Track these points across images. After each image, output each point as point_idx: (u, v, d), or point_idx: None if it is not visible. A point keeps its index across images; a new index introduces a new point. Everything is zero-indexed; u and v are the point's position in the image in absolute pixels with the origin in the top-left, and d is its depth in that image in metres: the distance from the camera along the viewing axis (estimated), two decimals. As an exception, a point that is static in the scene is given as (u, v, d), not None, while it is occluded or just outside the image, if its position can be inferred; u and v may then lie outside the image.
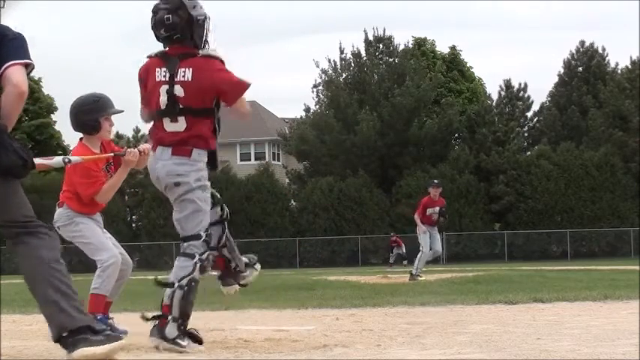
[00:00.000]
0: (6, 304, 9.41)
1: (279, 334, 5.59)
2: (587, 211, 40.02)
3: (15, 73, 4.07)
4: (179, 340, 4.82)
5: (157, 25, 4.98)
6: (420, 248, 15.74)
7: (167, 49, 5.03)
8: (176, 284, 4.85)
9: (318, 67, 44.09)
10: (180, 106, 4.91)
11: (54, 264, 4.12)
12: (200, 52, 4.97)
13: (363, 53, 43.35)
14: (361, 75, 42.92)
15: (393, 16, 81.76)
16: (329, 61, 43.24)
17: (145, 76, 5.08)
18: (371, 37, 43.53)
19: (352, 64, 43.29)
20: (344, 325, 6.29)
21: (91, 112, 6.08)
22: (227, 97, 4.96)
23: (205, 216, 5.00)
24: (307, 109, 44.19)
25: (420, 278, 15.13)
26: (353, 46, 43.56)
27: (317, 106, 43.96)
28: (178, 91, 4.91)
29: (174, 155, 4.94)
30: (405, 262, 34.65)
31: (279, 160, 54.03)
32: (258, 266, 5.51)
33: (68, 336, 4.00)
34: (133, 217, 43.26)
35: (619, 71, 43.21)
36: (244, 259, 5.44)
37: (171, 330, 4.82)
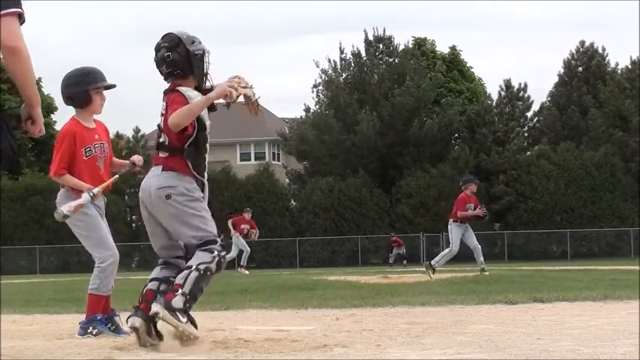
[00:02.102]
0: (6, 304, 9.41)
1: (279, 334, 5.59)
2: (587, 211, 40.00)
3: (3, 27, 3.54)
4: (180, 315, 4.87)
5: (159, 62, 5.22)
6: (451, 245, 16.03)
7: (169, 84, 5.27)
8: (194, 267, 4.96)
9: (318, 67, 44.05)
10: (161, 140, 5.22)
11: None
12: (178, 88, 5.17)
13: (363, 53, 43.32)
14: (361, 75, 42.89)
15: (393, 16, 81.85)
16: (329, 61, 43.25)
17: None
18: (371, 37, 43.51)
19: (352, 64, 43.25)
20: (344, 325, 6.29)
21: (81, 84, 6.06)
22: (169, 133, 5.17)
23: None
24: (307, 109, 44.15)
25: (431, 275, 15.30)
26: (353, 46, 43.57)
27: (317, 106, 43.93)
28: (162, 123, 5.21)
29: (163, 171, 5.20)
30: (404, 262, 34.65)
31: (279, 160, 54.02)
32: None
33: None
34: (133, 217, 43.24)
35: (619, 71, 43.17)
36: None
37: (178, 301, 4.88)
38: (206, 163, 5.29)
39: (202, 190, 5.23)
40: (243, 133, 51.14)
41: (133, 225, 42.94)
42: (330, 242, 40.47)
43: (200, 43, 5.27)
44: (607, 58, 44.39)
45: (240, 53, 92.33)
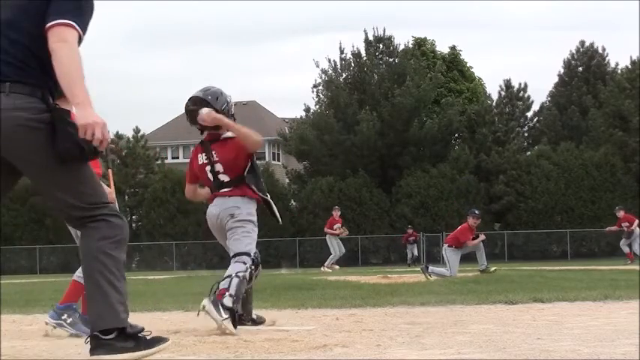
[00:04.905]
0: (6, 304, 9.41)
1: (279, 334, 5.60)
2: (587, 211, 39.98)
3: (50, 34, 3.70)
4: (222, 311, 5.64)
5: (192, 122, 6.20)
6: (450, 270, 16.31)
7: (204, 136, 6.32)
8: (233, 274, 5.90)
9: (318, 67, 44.06)
10: (221, 179, 6.22)
11: (100, 255, 3.84)
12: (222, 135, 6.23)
13: (363, 53, 43.31)
14: (361, 75, 42.87)
15: (393, 16, 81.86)
16: (329, 61, 43.23)
17: (192, 158, 6.42)
18: (371, 37, 43.50)
19: (352, 64, 43.24)
20: (344, 325, 6.29)
21: None
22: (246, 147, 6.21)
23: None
24: (307, 109, 44.13)
25: (429, 277, 15.56)
26: (353, 46, 43.55)
27: (317, 106, 43.92)
28: (218, 167, 6.22)
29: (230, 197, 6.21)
30: (408, 263, 34.49)
31: (279, 160, 54.03)
32: (261, 326, 6.40)
33: (94, 335, 3.82)
34: (133, 217, 43.24)
35: (619, 71, 43.16)
36: (254, 315, 6.46)
37: (227, 300, 5.73)
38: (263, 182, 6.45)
39: (270, 207, 6.38)
40: (243, 133, 51.05)
41: (133, 225, 42.95)
42: (330, 242, 40.39)
43: (222, 94, 6.20)
44: (607, 58, 44.42)
45: (240, 53, 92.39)
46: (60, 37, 3.70)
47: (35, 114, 3.76)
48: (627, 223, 25.26)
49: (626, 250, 25.44)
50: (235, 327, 5.69)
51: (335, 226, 24.85)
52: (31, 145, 3.75)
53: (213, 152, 6.21)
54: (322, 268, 24.39)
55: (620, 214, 25.64)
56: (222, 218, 6.17)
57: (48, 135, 3.76)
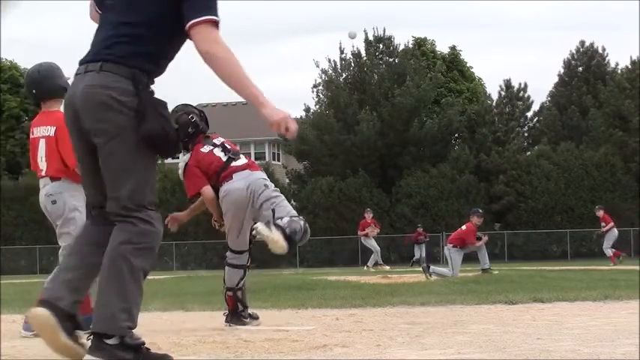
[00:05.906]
0: (6, 304, 9.41)
1: (279, 334, 5.60)
2: (587, 211, 39.87)
3: (197, 35, 3.75)
4: (273, 227, 5.52)
5: (183, 144, 6.42)
6: (452, 271, 16.38)
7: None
8: (288, 216, 5.77)
9: (318, 67, 44.04)
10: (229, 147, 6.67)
11: (118, 258, 3.74)
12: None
13: (363, 53, 43.30)
14: (361, 75, 42.86)
15: (393, 16, 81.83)
16: (329, 61, 43.19)
17: (196, 157, 6.52)
18: (371, 37, 43.50)
19: (352, 64, 43.23)
20: (344, 325, 6.29)
21: (63, 76, 6.33)
22: None
23: None
24: (307, 109, 44.12)
25: (430, 277, 15.67)
26: (353, 46, 43.52)
27: (317, 106, 43.90)
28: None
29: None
30: (413, 261, 34.22)
31: (279, 160, 54.00)
32: (258, 321, 6.55)
33: (97, 335, 3.76)
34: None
35: (619, 71, 43.17)
36: (250, 310, 6.60)
37: (281, 222, 5.62)
38: None
39: None
40: (243, 133, 51.12)
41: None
42: (330, 242, 40.43)
43: (193, 108, 6.73)
44: (607, 58, 44.40)
45: (240, 53, 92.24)
46: (210, 38, 3.74)
47: (120, 95, 3.74)
48: (603, 224, 25.24)
49: (608, 253, 25.40)
50: (287, 246, 5.53)
51: (367, 229, 25.42)
52: (108, 124, 3.73)
53: (220, 140, 6.66)
54: (378, 267, 24.92)
55: (600, 213, 25.58)
56: (254, 190, 6.33)
57: (129, 118, 3.74)
